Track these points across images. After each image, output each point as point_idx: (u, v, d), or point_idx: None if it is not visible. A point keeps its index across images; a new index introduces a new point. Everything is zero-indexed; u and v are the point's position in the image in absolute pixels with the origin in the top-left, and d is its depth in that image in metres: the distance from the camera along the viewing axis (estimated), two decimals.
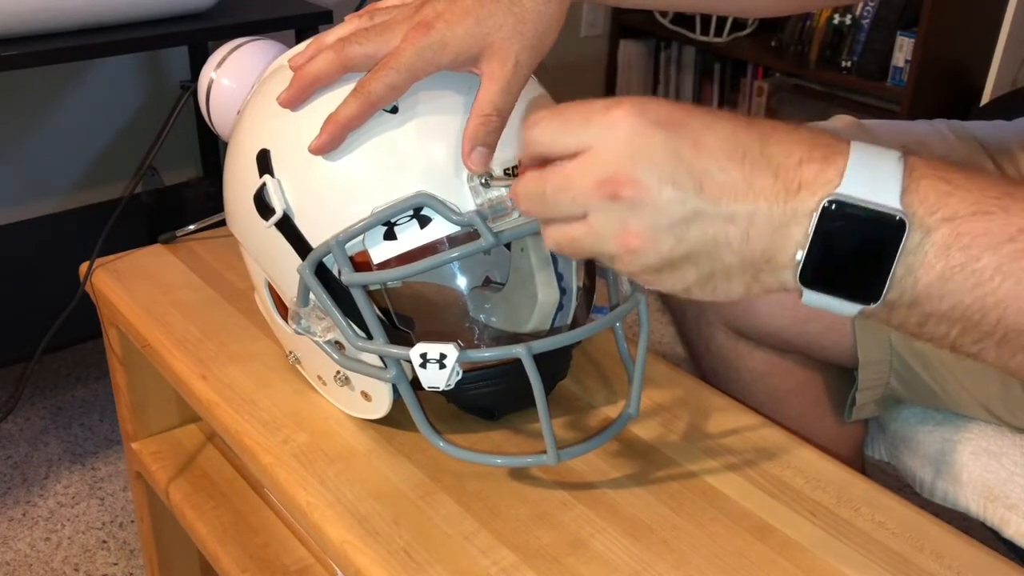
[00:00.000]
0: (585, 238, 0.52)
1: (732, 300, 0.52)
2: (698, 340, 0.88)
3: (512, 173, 0.65)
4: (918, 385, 0.83)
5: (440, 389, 0.63)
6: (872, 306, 0.48)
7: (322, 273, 0.66)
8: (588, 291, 0.76)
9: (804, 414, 0.87)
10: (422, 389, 0.65)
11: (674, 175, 0.49)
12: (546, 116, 0.53)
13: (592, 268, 0.76)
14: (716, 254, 0.50)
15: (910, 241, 0.46)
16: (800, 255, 0.48)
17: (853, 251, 0.47)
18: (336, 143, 0.65)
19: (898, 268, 0.47)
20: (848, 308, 0.49)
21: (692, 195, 0.49)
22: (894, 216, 0.46)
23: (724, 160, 0.49)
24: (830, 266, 0.48)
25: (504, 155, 0.65)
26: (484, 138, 0.63)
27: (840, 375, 0.87)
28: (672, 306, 0.90)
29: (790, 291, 0.50)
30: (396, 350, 0.65)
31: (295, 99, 0.67)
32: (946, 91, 2.39)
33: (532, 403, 0.63)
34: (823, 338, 0.82)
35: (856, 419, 0.86)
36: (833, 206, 0.47)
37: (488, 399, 0.72)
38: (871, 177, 0.47)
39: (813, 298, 0.49)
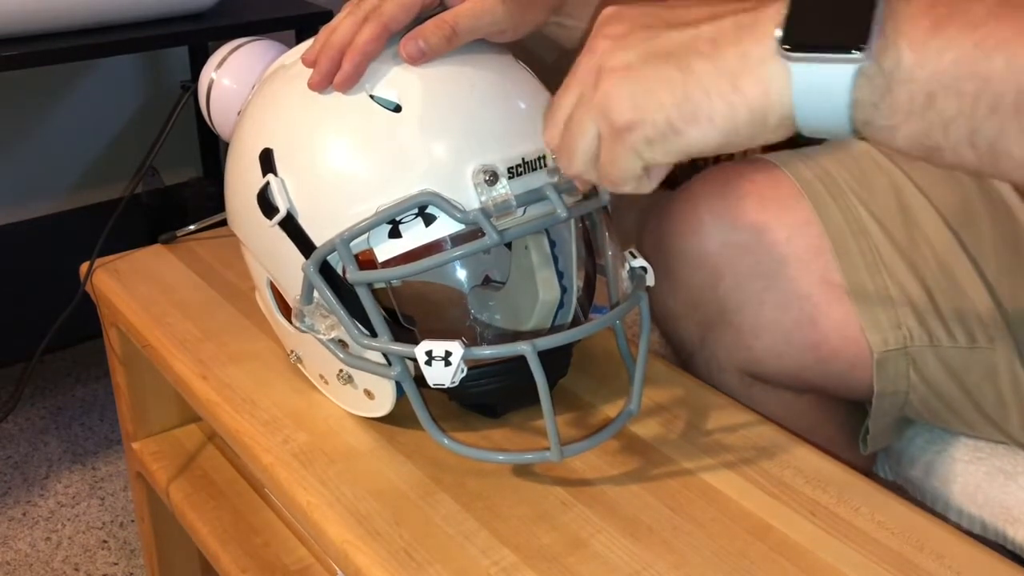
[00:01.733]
0: (567, 106, 0.55)
1: (718, 136, 0.51)
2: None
3: (516, 172, 0.65)
4: (933, 417, 0.82)
5: (445, 387, 0.63)
6: (864, 56, 0.45)
7: (326, 271, 0.66)
8: (589, 289, 0.76)
9: None
10: (425, 387, 0.65)
11: (644, 20, 0.53)
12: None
13: (593, 266, 0.76)
14: (687, 64, 0.50)
15: (893, 3, 0.46)
16: (779, 32, 0.47)
17: (833, 3, 0.47)
18: (359, 72, 0.66)
19: (887, 29, 0.45)
20: (842, 73, 0.46)
21: (660, 29, 0.52)
22: None
23: (693, 6, 0.52)
24: (811, 20, 0.47)
25: (508, 154, 0.65)
26: (429, 37, 0.65)
27: (850, 412, 0.86)
28: (678, 348, 0.89)
29: (784, 113, 0.48)
30: (401, 348, 0.65)
31: (351, 78, 0.66)
32: None
33: (534, 400, 0.63)
34: (846, 375, 0.80)
35: (872, 450, 0.84)
36: None
37: (491, 396, 0.72)
38: None
39: (803, 77, 0.47)
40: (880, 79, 0.46)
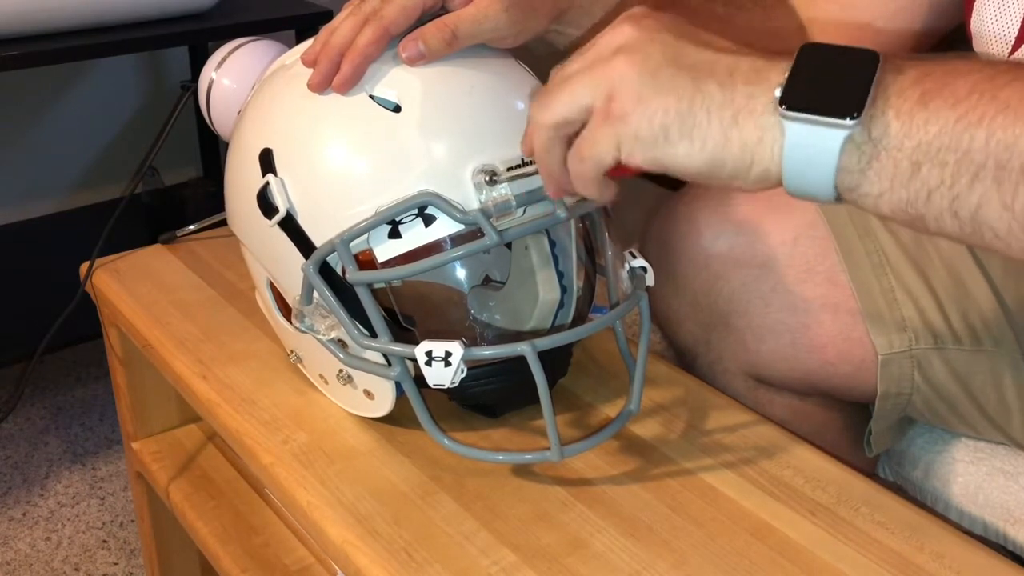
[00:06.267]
0: (571, 69, 0.55)
1: (702, 161, 0.52)
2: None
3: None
4: (935, 418, 0.82)
5: (445, 387, 0.63)
6: (855, 124, 0.48)
7: (325, 271, 0.66)
8: (589, 289, 0.76)
9: None
10: (425, 387, 0.65)
11: (674, 27, 0.54)
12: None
13: (593, 267, 0.76)
14: (700, 80, 0.51)
15: (884, 78, 0.48)
16: (779, 91, 0.49)
17: (832, 70, 0.49)
18: (359, 74, 0.66)
19: (877, 100, 0.48)
20: (833, 137, 0.48)
21: (687, 41, 0.53)
22: (868, 50, 0.49)
23: (711, 35, 0.54)
24: (811, 84, 0.49)
25: (507, 153, 0.65)
26: (429, 40, 0.65)
27: (855, 415, 0.86)
28: (681, 351, 0.88)
29: (770, 167, 0.50)
30: (401, 348, 0.65)
31: (350, 80, 0.66)
32: None
33: (534, 400, 0.63)
34: (851, 377, 0.80)
35: (876, 452, 0.84)
36: (811, 47, 0.50)
37: (490, 396, 0.72)
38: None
39: (795, 135, 0.49)
40: (868, 147, 0.48)
